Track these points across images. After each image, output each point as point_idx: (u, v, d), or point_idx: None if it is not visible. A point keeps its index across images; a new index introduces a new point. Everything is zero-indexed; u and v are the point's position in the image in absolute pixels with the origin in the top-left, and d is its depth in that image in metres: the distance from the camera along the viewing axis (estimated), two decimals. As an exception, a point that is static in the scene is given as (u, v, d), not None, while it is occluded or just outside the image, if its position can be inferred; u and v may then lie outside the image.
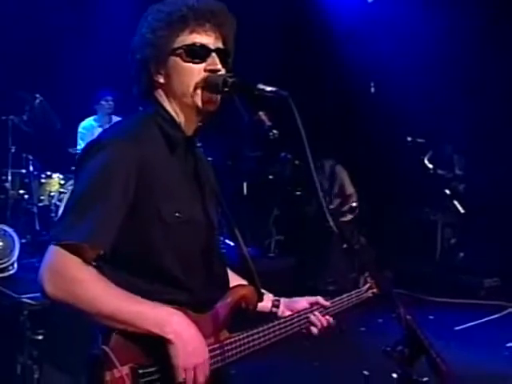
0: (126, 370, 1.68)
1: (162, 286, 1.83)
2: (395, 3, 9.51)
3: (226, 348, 1.88)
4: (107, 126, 7.12)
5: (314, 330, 2.18)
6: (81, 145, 7.30)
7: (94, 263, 1.75)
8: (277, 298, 2.23)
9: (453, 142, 8.05)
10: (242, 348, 1.92)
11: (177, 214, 1.84)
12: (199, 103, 1.88)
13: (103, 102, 7.39)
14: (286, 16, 9.39)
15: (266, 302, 2.15)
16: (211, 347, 1.83)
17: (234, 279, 2.10)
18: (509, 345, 6.06)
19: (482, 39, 8.21)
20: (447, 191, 8.09)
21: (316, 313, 2.18)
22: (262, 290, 2.04)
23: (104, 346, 1.68)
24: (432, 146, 7.63)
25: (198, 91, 1.87)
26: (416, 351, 1.46)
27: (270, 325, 2.02)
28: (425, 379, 1.49)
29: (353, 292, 2.36)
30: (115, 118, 7.28)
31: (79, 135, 7.44)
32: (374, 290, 2.38)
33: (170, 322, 1.72)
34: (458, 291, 7.57)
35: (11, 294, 4.85)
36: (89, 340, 1.81)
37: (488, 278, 8.24)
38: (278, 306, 2.20)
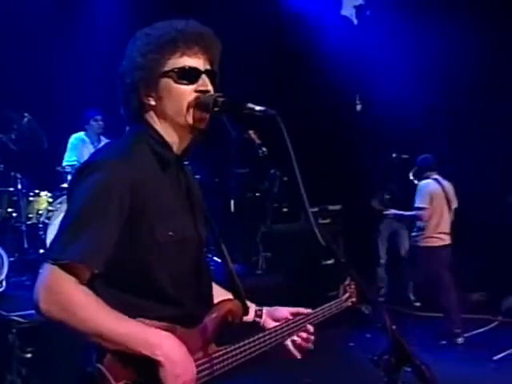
0: None
1: (152, 302, 1.86)
2: (381, 23, 9.68)
3: (214, 361, 1.92)
4: (97, 143, 7.14)
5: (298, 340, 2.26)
6: (69, 157, 7.22)
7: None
8: (259, 307, 2.29)
9: (437, 158, 8.11)
10: (230, 360, 1.96)
11: (170, 233, 1.87)
12: (191, 121, 1.92)
13: (93, 122, 7.31)
14: (274, 35, 9.51)
15: (250, 311, 2.18)
16: (200, 361, 1.87)
17: (221, 293, 2.14)
18: (495, 358, 6.11)
19: (464, 58, 8.34)
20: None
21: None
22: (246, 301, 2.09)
23: (98, 364, 1.72)
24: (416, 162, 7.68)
25: (190, 110, 1.92)
26: (401, 360, 1.51)
27: (256, 337, 2.07)
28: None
29: (332, 302, 2.41)
30: (104, 139, 7.28)
31: (69, 146, 7.32)
32: (353, 300, 2.44)
33: (161, 345, 1.75)
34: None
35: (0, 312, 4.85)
36: (77, 358, 1.84)
37: (475, 292, 8.30)
38: (260, 316, 2.27)
